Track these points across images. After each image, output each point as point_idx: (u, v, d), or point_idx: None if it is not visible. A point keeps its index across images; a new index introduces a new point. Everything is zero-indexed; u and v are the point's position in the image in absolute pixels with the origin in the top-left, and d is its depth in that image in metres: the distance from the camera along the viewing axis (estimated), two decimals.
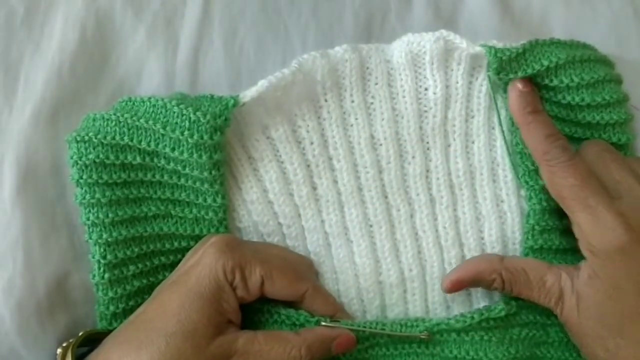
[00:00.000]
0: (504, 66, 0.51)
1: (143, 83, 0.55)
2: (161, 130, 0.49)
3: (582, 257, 0.50)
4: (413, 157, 0.53)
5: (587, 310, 0.48)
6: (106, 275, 0.50)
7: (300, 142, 0.53)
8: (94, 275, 0.51)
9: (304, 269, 0.52)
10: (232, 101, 0.50)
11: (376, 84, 0.53)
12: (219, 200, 0.51)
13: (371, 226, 0.54)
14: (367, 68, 0.53)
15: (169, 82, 0.55)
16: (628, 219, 0.47)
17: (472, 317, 0.51)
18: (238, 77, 0.56)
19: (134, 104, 0.51)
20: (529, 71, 0.51)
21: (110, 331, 0.49)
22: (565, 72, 0.51)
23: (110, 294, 0.51)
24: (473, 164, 0.54)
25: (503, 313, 0.51)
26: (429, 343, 0.51)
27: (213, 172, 0.50)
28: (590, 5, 0.58)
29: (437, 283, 0.54)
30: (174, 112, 0.49)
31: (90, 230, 0.50)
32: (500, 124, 0.53)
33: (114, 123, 0.50)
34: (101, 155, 0.50)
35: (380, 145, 0.53)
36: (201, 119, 0.49)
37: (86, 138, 0.50)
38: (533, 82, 0.51)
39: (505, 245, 0.54)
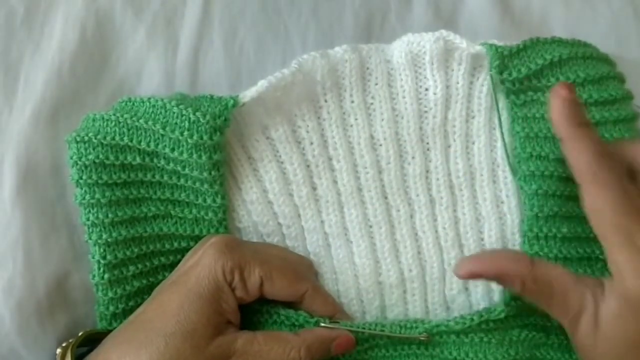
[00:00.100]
0: (506, 63, 0.51)
1: (143, 83, 0.55)
2: (161, 131, 0.49)
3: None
4: (413, 158, 0.53)
5: (604, 343, 0.44)
6: (106, 276, 0.50)
7: (300, 142, 0.53)
8: (93, 276, 0.51)
9: (303, 269, 0.52)
10: (231, 101, 0.50)
11: (376, 84, 0.53)
12: (218, 200, 0.51)
13: (371, 227, 0.54)
14: (367, 68, 0.53)
15: (169, 82, 0.55)
16: None
17: (472, 319, 0.51)
18: (238, 77, 0.56)
19: (133, 104, 0.51)
20: (532, 67, 0.51)
21: (109, 331, 0.49)
22: (570, 69, 0.51)
23: (110, 294, 0.51)
24: (473, 165, 0.54)
25: (503, 315, 0.51)
26: (428, 344, 0.51)
27: (213, 172, 0.50)
28: (590, 5, 0.58)
29: (437, 284, 0.54)
30: (174, 113, 0.49)
31: (90, 230, 0.50)
32: (501, 126, 0.53)
33: (113, 123, 0.50)
34: (101, 156, 0.50)
35: (380, 145, 0.53)
36: (201, 119, 0.49)
37: (86, 138, 0.50)
38: (535, 82, 0.51)
39: (505, 247, 0.54)
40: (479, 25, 0.58)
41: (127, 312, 0.50)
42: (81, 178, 0.50)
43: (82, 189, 0.50)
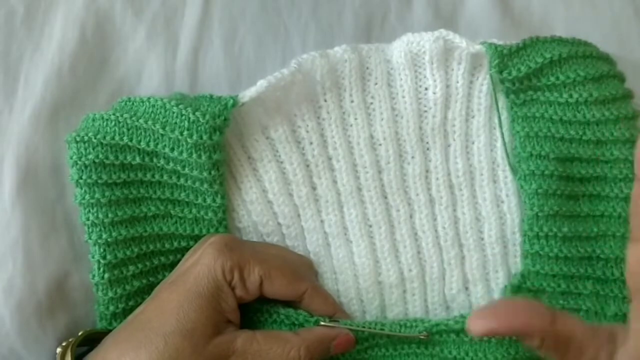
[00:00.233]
0: (506, 62, 0.51)
1: (143, 83, 0.55)
2: (160, 131, 0.49)
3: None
4: (412, 157, 0.53)
5: None
6: (106, 275, 0.50)
7: (300, 142, 0.53)
8: (93, 275, 0.51)
9: (303, 268, 0.52)
10: (231, 101, 0.50)
11: (376, 84, 0.53)
12: (218, 200, 0.51)
13: (370, 226, 0.54)
14: (367, 68, 0.53)
15: (169, 82, 0.55)
16: None
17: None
18: (238, 77, 0.56)
19: (133, 104, 0.51)
20: (532, 66, 0.51)
21: (109, 331, 0.49)
22: (570, 67, 0.51)
23: (110, 294, 0.51)
24: (473, 165, 0.54)
25: None
26: (428, 343, 0.51)
27: (212, 172, 0.50)
28: (591, 5, 0.58)
29: (436, 283, 0.54)
30: (174, 112, 0.49)
31: (90, 230, 0.50)
32: (501, 125, 0.53)
33: (113, 123, 0.50)
34: (101, 156, 0.50)
35: (380, 145, 0.53)
36: (200, 119, 0.49)
37: (86, 138, 0.50)
38: (535, 81, 0.51)
39: (505, 246, 0.54)
40: (479, 26, 0.58)
41: (127, 312, 0.50)
42: (81, 178, 0.50)
43: (82, 188, 0.50)
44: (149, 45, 0.55)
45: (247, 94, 0.51)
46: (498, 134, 0.53)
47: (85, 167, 0.50)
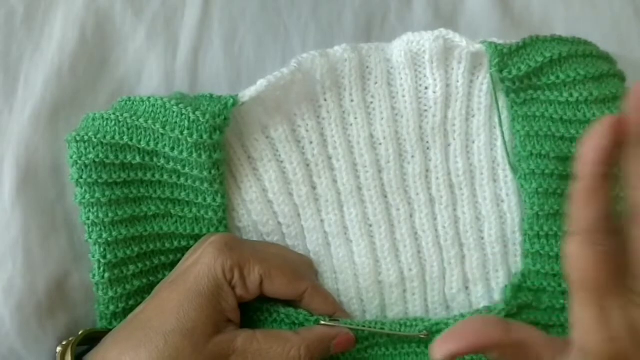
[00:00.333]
0: (506, 61, 0.51)
1: (143, 83, 0.55)
2: (161, 130, 0.49)
3: None
4: (413, 157, 0.53)
5: None
6: (106, 275, 0.50)
7: (300, 141, 0.53)
8: (94, 275, 0.51)
9: (303, 268, 0.52)
10: (231, 101, 0.50)
11: (376, 83, 0.53)
12: (218, 199, 0.51)
13: (371, 226, 0.54)
14: (367, 67, 0.53)
15: (169, 82, 0.55)
16: (637, 330, 0.39)
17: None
18: (238, 77, 0.56)
19: (133, 103, 0.51)
20: (532, 65, 0.51)
21: (110, 330, 0.49)
22: (570, 66, 0.51)
23: (110, 293, 0.51)
24: (473, 164, 0.54)
25: (503, 314, 0.51)
26: (428, 343, 0.51)
27: (213, 171, 0.50)
28: (591, 5, 0.58)
29: (436, 283, 0.54)
30: (174, 112, 0.49)
31: (90, 229, 0.50)
32: (501, 124, 0.53)
33: (113, 123, 0.50)
34: (101, 155, 0.50)
35: (380, 144, 0.53)
36: (200, 118, 0.49)
37: (86, 138, 0.50)
38: (535, 80, 0.51)
39: (506, 246, 0.54)
40: (479, 25, 0.58)
41: (127, 311, 0.50)
42: (81, 177, 0.50)
43: (82, 188, 0.50)
44: (149, 45, 0.55)
45: (247, 94, 0.51)
46: (498, 133, 0.53)
47: (86, 166, 0.50)
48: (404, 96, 0.53)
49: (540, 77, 0.51)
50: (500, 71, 0.51)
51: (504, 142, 0.53)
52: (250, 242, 0.53)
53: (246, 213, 0.53)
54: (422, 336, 0.51)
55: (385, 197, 0.54)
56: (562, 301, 0.52)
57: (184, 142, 0.49)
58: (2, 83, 0.53)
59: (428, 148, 0.54)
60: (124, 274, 0.51)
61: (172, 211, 0.52)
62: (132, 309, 0.50)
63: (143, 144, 0.50)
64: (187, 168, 0.50)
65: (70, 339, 0.49)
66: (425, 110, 0.53)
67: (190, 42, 0.56)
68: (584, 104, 0.51)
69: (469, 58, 0.52)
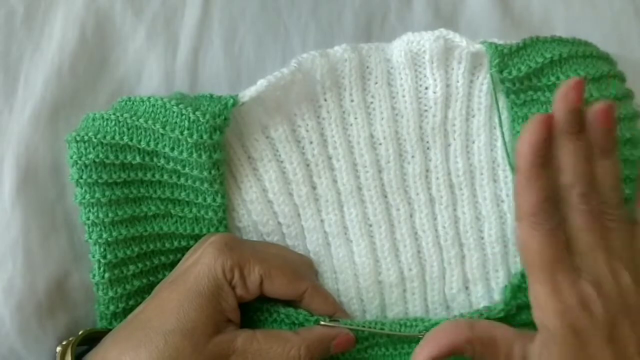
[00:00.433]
0: (506, 62, 0.51)
1: (143, 83, 0.55)
2: (161, 130, 0.49)
3: None
4: (413, 157, 0.53)
5: None
6: (106, 275, 0.50)
7: (300, 141, 0.53)
8: (94, 275, 0.51)
9: (303, 268, 0.52)
10: (231, 101, 0.50)
11: (376, 83, 0.53)
12: (218, 199, 0.51)
13: (371, 226, 0.54)
14: (367, 67, 0.53)
15: (169, 82, 0.55)
16: (588, 302, 0.44)
17: (471, 318, 0.51)
18: (238, 77, 0.56)
19: (133, 103, 0.51)
20: (533, 65, 0.51)
21: (110, 330, 0.49)
22: (570, 67, 0.51)
23: (111, 293, 0.51)
24: (473, 164, 0.54)
25: (502, 314, 0.51)
26: None
27: (213, 171, 0.50)
28: (591, 5, 0.58)
29: (436, 282, 0.54)
30: (174, 112, 0.49)
31: (90, 230, 0.50)
32: (501, 125, 0.53)
33: (113, 123, 0.50)
34: (101, 155, 0.50)
35: (380, 144, 0.53)
36: (200, 118, 0.49)
37: (86, 138, 0.50)
38: (535, 81, 0.51)
39: (505, 246, 0.54)
40: (479, 25, 0.58)
41: (127, 311, 0.50)
42: (81, 177, 0.50)
43: (82, 188, 0.50)
44: (149, 45, 0.55)
45: (247, 94, 0.51)
46: (498, 133, 0.53)
47: (86, 166, 0.50)
48: (404, 96, 0.53)
49: (540, 78, 0.51)
50: (501, 72, 0.51)
51: (504, 143, 0.53)
52: (250, 242, 0.53)
53: (246, 213, 0.53)
54: (421, 336, 0.51)
55: (385, 197, 0.54)
56: None
57: (184, 142, 0.49)
58: (2, 83, 0.53)
59: (428, 148, 0.54)
60: (124, 274, 0.51)
61: (172, 211, 0.52)
62: (132, 309, 0.50)
63: (143, 144, 0.50)
64: (187, 168, 0.50)
65: (70, 339, 0.49)
66: (425, 110, 0.53)
67: (190, 42, 0.56)
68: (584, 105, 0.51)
69: (469, 58, 0.52)
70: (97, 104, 0.54)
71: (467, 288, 0.54)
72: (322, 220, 0.53)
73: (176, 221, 0.52)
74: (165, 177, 0.51)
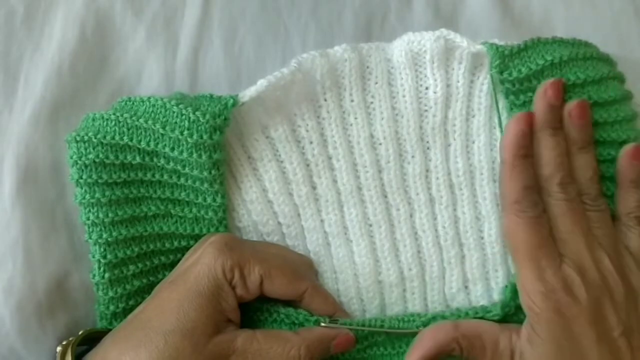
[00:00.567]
0: (507, 63, 0.51)
1: (143, 83, 0.55)
2: (161, 130, 0.49)
3: None
4: (413, 157, 0.53)
5: None
6: (106, 275, 0.50)
7: (300, 141, 0.53)
8: (94, 275, 0.51)
9: (303, 268, 0.52)
10: (231, 101, 0.50)
11: (376, 83, 0.53)
12: (218, 199, 0.51)
13: (371, 226, 0.54)
14: (367, 67, 0.53)
15: (169, 82, 0.55)
16: (571, 286, 0.47)
17: (467, 313, 0.51)
18: (238, 77, 0.56)
19: (133, 103, 0.51)
20: (533, 67, 0.51)
21: (110, 330, 0.49)
22: (570, 70, 0.51)
23: (111, 293, 0.51)
24: (473, 164, 0.54)
25: (501, 313, 0.51)
26: None
27: (213, 171, 0.50)
28: (591, 5, 0.58)
29: (436, 282, 0.54)
30: (174, 112, 0.49)
31: (90, 230, 0.50)
32: (501, 125, 0.53)
33: (113, 123, 0.50)
34: (101, 155, 0.50)
35: (380, 144, 0.53)
36: (200, 118, 0.49)
37: (86, 138, 0.50)
38: (535, 82, 0.51)
39: (505, 246, 0.54)
40: (479, 26, 0.58)
41: (127, 311, 0.50)
42: (81, 177, 0.50)
43: (82, 188, 0.50)
44: (149, 45, 0.55)
45: (247, 94, 0.51)
46: (498, 133, 0.53)
47: (86, 166, 0.50)
48: (404, 96, 0.53)
49: (540, 80, 0.51)
50: (501, 73, 0.51)
51: None
52: (250, 242, 0.53)
53: (246, 213, 0.53)
54: (419, 331, 0.51)
55: (385, 197, 0.54)
56: None
57: (184, 142, 0.49)
58: (2, 83, 0.53)
59: (428, 148, 0.54)
60: (124, 274, 0.51)
61: (172, 211, 0.52)
62: (132, 309, 0.50)
63: (143, 144, 0.50)
64: (187, 168, 0.50)
65: (70, 339, 0.49)
66: (426, 110, 0.53)
67: (190, 42, 0.56)
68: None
69: (469, 58, 0.52)
70: (97, 104, 0.54)
71: (466, 287, 0.54)
72: (322, 220, 0.53)
73: (176, 221, 0.52)
74: (165, 177, 0.51)
